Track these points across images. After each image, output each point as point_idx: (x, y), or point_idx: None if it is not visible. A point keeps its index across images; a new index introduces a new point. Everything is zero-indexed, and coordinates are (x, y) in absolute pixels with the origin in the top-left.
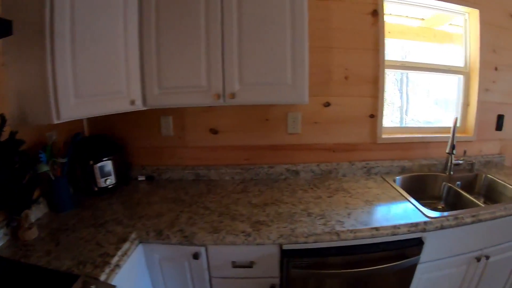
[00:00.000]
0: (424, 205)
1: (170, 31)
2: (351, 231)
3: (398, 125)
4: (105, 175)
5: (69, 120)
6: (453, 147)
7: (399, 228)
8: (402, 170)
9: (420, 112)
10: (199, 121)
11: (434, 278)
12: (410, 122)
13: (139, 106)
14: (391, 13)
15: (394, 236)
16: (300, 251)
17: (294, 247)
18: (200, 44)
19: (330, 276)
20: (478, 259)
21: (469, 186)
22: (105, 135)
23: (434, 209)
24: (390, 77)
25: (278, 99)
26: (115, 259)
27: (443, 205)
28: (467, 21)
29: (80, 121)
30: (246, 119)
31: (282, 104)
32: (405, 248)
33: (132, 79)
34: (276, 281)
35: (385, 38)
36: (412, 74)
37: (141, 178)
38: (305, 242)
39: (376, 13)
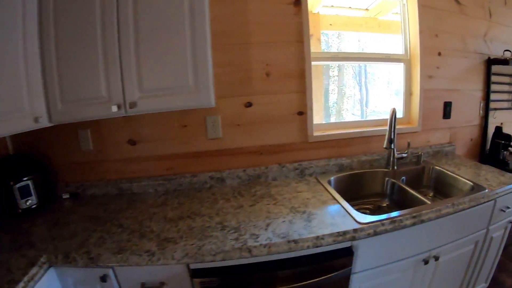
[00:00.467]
0: (365, 204)
1: (68, 41)
2: (265, 245)
3: (359, 118)
4: (25, 195)
5: None
6: (390, 140)
7: (322, 239)
8: (340, 169)
9: (381, 104)
10: (117, 132)
11: (377, 285)
12: (371, 114)
13: (44, 123)
14: (333, 5)
15: (318, 248)
16: (210, 270)
17: (203, 266)
18: (97, 51)
19: None
20: (426, 262)
21: (417, 179)
22: (27, 154)
23: (378, 207)
24: (349, 70)
25: (181, 105)
26: (21, 285)
27: (388, 203)
28: (406, 6)
29: (3, 139)
30: (164, 126)
31: (198, 108)
32: (332, 260)
33: (34, 95)
34: None
35: (318, 28)
36: (368, 65)
37: (65, 196)
38: (213, 261)
39: (299, 2)
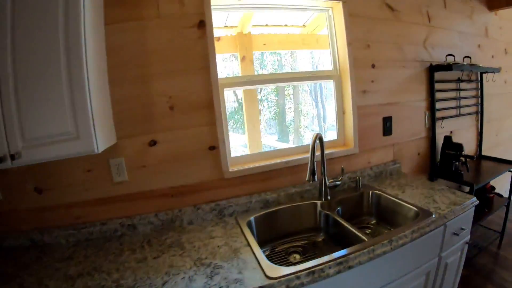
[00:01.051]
0: (298, 241)
1: None
2: None
3: (262, 150)
4: None
5: None
6: (313, 172)
7: None
8: (266, 205)
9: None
10: (23, 180)
11: None
12: (329, 128)
13: None
14: (267, 23)
15: None
16: None
17: None
18: None
19: None
20: None
21: (356, 207)
22: None
23: (313, 244)
24: (304, 87)
25: (66, 153)
26: None
27: (323, 237)
28: (332, 17)
29: None
30: (68, 172)
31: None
32: None
33: None
34: None
35: (218, 52)
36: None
37: None
38: None
39: (203, 24)
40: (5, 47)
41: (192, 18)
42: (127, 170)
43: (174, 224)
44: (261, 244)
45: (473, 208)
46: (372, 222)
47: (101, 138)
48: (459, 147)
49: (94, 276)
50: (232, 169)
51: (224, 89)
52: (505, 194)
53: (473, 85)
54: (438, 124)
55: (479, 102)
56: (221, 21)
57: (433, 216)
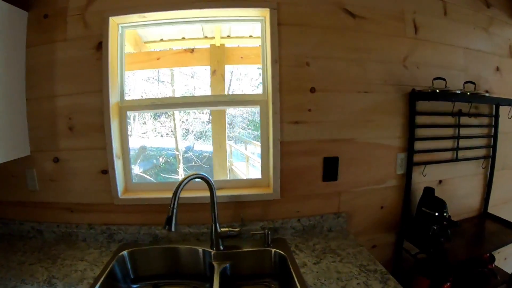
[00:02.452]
0: (178, 285)
1: None
2: None
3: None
4: None
5: None
6: (169, 219)
7: None
8: (155, 240)
9: None
10: None
11: None
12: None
13: None
14: (247, 35)
15: None
16: None
17: None
18: None
19: None
20: None
21: (260, 265)
22: None
23: None
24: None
25: None
26: None
27: None
28: (264, 29)
29: None
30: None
31: (18, 159)
32: None
33: None
34: None
35: (113, 73)
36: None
37: None
38: None
39: (101, 46)
40: None
41: (93, 39)
42: (38, 181)
43: (70, 238)
44: (140, 280)
45: None
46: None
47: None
48: (440, 205)
49: (6, 267)
50: (123, 196)
51: (128, 112)
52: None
53: (484, 120)
54: (418, 170)
55: (491, 144)
56: (199, 32)
57: None
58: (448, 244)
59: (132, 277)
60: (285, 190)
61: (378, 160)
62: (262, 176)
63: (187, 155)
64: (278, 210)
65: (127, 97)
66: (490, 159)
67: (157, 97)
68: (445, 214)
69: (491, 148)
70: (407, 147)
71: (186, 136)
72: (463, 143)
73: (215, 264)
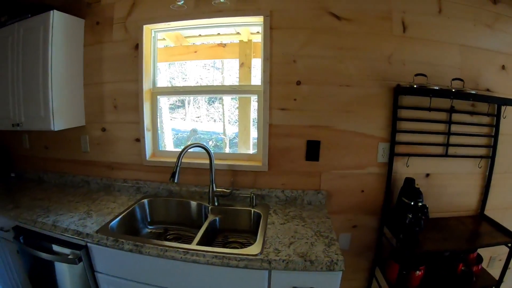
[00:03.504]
0: (178, 230)
1: None
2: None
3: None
4: None
5: None
6: (173, 174)
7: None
8: (170, 194)
9: None
10: (39, 139)
11: None
12: None
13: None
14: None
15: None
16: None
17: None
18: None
19: None
20: None
21: (242, 221)
22: None
23: (186, 236)
24: None
25: (39, 127)
26: None
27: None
28: (261, 28)
29: None
30: (63, 140)
31: (76, 128)
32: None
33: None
34: None
35: (147, 67)
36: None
37: (12, 174)
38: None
39: (137, 46)
40: (19, 78)
41: (131, 41)
42: (89, 145)
43: (109, 188)
44: (154, 223)
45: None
46: (250, 240)
47: (60, 122)
48: (416, 195)
49: (48, 201)
50: (150, 159)
51: (158, 96)
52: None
53: (483, 119)
54: (401, 160)
55: (492, 144)
56: (231, 29)
57: (259, 254)
58: (422, 235)
59: (149, 220)
60: (272, 165)
61: (359, 147)
62: (257, 151)
63: (235, 140)
64: (266, 181)
65: (181, 83)
66: (490, 160)
67: (184, 85)
68: (419, 204)
69: (491, 148)
70: (390, 138)
71: (237, 122)
72: (455, 140)
73: (210, 216)
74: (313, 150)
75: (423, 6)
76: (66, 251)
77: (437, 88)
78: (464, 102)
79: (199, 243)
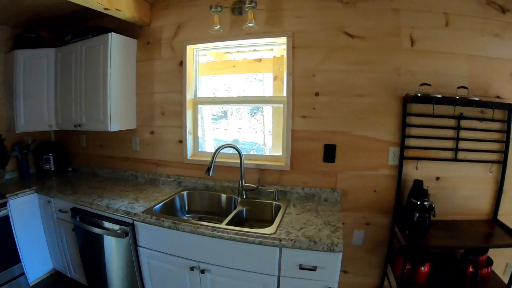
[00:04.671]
0: (209, 219)
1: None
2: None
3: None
4: (47, 163)
5: (22, 132)
6: (208, 169)
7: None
8: (206, 188)
9: None
10: (94, 139)
11: (161, 269)
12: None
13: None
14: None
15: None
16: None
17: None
18: (71, 98)
19: None
20: (192, 269)
21: (265, 213)
22: (54, 142)
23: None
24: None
25: (98, 128)
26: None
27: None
28: (286, 48)
29: (48, 133)
30: (116, 140)
31: (128, 130)
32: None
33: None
34: None
35: (189, 81)
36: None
37: (70, 169)
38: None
39: (181, 63)
40: (82, 87)
41: (177, 59)
42: (139, 145)
43: (155, 182)
44: (191, 212)
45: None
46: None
47: (116, 124)
48: (423, 195)
49: (102, 190)
50: (190, 158)
51: (199, 105)
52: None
53: (493, 125)
54: (412, 164)
55: (504, 149)
56: (266, 45)
57: (273, 234)
58: (430, 233)
59: (186, 209)
60: (294, 165)
61: (371, 151)
62: (282, 153)
63: None
64: (289, 179)
65: (224, 94)
66: (502, 165)
67: (220, 96)
68: (425, 203)
69: (503, 154)
70: (400, 143)
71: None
72: (465, 145)
73: (238, 207)
74: (329, 153)
75: (431, 21)
76: (116, 227)
77: (439, 96)
78: (473, 109)
79: (226, 224)
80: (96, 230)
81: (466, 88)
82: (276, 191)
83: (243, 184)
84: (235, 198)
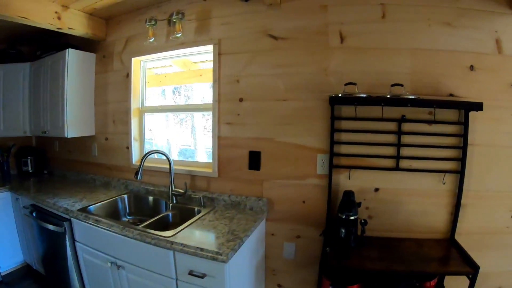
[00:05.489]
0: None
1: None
2: None
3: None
4: (25, 165)
5: (1, 137)
6: (136, 173)
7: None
8: (146, 192)
9: None
10: (66, 145)
11: (91, 263)
12: None
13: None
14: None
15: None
16: None
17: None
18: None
19: None
20: (111, 264)
21: (189, 217)
22: (34, 147)
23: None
24: None
25: (57, 134)
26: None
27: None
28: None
29: (30, 138)
30: (81, 145)
31: (90, 137)
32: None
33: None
34: None
35: (135, 91)
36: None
37: (45, 172)
38: None
39: (127, 75)
40: (47, 97)
41: (125, 70)
42: (97, 150)
43: (108, 185)
44: (132, 214)
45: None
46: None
47: (72, 131)
48: (349, 208)
49: (61, 190)
50: (135, 163)
51: (145, 113)
52: None
53: (448, 129)
54: (344, 173)
55: (461, 156)
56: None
57: (168, 237)
58: (358, 252)
59: (127, 212)
60: (222, 172)
61: (298, 158)
62: (212, 160)
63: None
64: (217, 186)
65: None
66: (459, 175)
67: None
68: (351, 218)
69: (460, 162)
70: (329, 150)
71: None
72: (409, 152)
73: (167, 211)
74: (254, 160)
75: (364, 14)
76: (59, 222)
77: (364, 95)
78: (419, 110)
79: (146, 227)
80: (47, 225)
81: (401, 85)
82: (201, 197)
83: (173, 189)
84: (166, 203)
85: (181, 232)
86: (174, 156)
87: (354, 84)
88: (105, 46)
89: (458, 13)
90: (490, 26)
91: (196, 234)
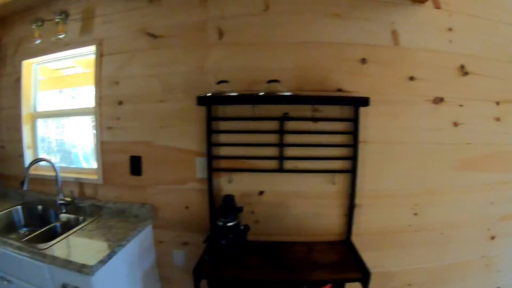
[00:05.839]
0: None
1: None
2: None
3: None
4: None
5: None
6: (22, 182)
7: None
8: (41, 202)
9: None
10: None
11: None
12: None
13: None
14: None
15: None
16: None
17: None
18: None
19: None
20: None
21: (74, 225)
22: None
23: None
24: None
25: None
26: None
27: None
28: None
29: None
30: None
31: None
32: None
33: None
34: None
35: (27, 95)
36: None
37: None
38: None
39: (19, 79)
40: None
41: (17, 74)
42: None
43: (5, 196)
44: (27, 226)
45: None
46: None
47: None
48: (225, 214)
49: None
50: (30, 172)
51: (37, 118)
52: None
53: (337, 126)
54: (224, 176)
55: (352, 155)
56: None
57: (42, 250)
58: (245, 259)
59: (23, 223)
60: (107, 178)
61: (177, 162)
62: (97, 166)
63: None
64: (103, 193)
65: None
66: (351, 175)
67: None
68: (229, 224)
69: (351, 161)
70: (207, 152)
71: None
72: (293, 152)
73: (56, 222)
74: (136, 165)
75: (245, 8)
76: None
77: (235, 94)
78: (304, 107)
79: (28, 240)
80: None
81: (277, 81)
82: (85, 205)
83: (61, 198)
84: (57, 213)
85: (58, 243)
86: (76, 163)
87: (226, 81)
88: (0, 48)
89: (350, 4)
90: (386, 18)
91: (72, 246)
